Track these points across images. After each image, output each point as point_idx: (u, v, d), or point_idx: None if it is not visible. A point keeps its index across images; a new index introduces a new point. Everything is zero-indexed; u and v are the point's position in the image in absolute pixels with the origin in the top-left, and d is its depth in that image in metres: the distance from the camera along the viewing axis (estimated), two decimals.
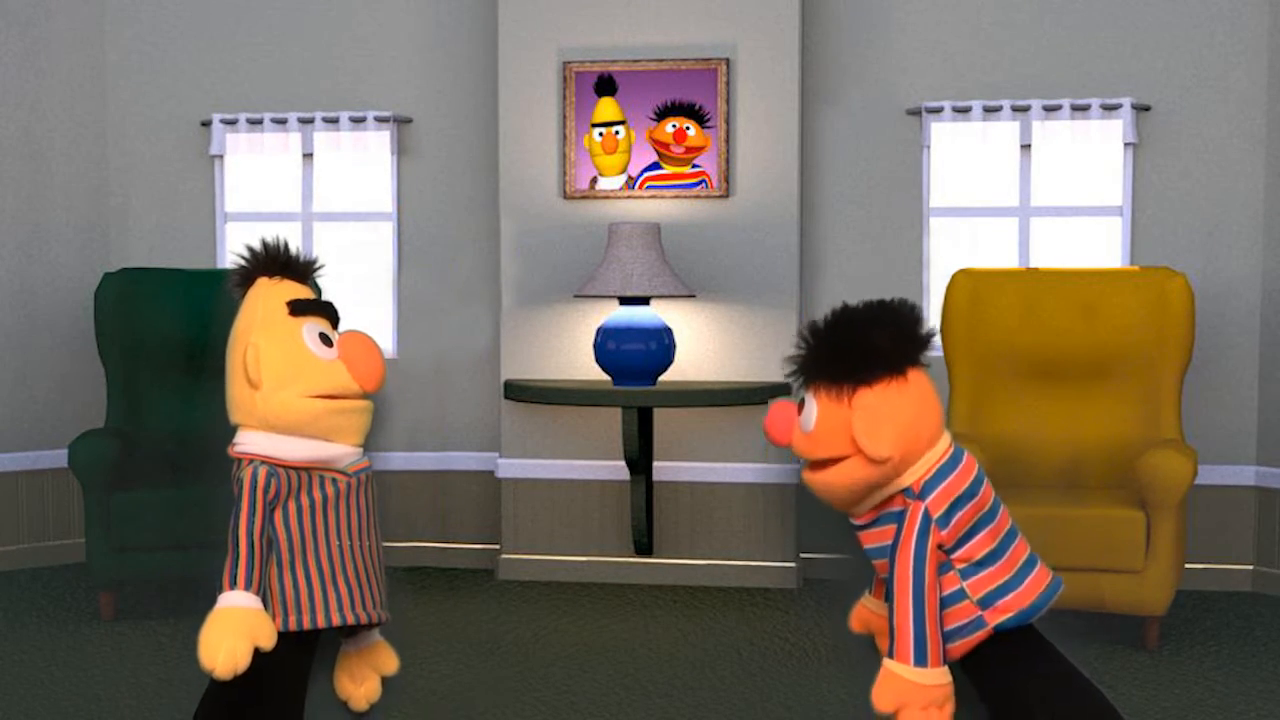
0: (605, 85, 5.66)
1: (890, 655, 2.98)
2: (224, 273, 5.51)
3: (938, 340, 5.80)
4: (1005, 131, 5.61)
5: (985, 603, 3.04)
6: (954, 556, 3.04)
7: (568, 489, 5.78)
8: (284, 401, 3.05)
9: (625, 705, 4.03)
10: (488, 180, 6.02)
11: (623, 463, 5.72)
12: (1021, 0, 5.67)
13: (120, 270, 5.46)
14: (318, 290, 3.35)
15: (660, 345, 5.24)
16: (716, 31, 5.63)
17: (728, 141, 5.60)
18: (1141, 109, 5.55)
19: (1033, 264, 5.73)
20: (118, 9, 6.18)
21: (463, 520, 6.09)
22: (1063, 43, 5.64)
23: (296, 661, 3.13)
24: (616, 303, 5.62)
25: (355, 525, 3.16)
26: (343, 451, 3.13)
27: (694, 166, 5.62)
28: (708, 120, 5.61)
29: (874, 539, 3.14)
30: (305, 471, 3.09)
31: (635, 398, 5.18)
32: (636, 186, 5.65)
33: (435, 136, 6.03)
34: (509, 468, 5.79)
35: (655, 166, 5.64)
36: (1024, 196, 5.69)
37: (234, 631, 2.85)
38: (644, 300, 5.33)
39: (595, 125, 5.67)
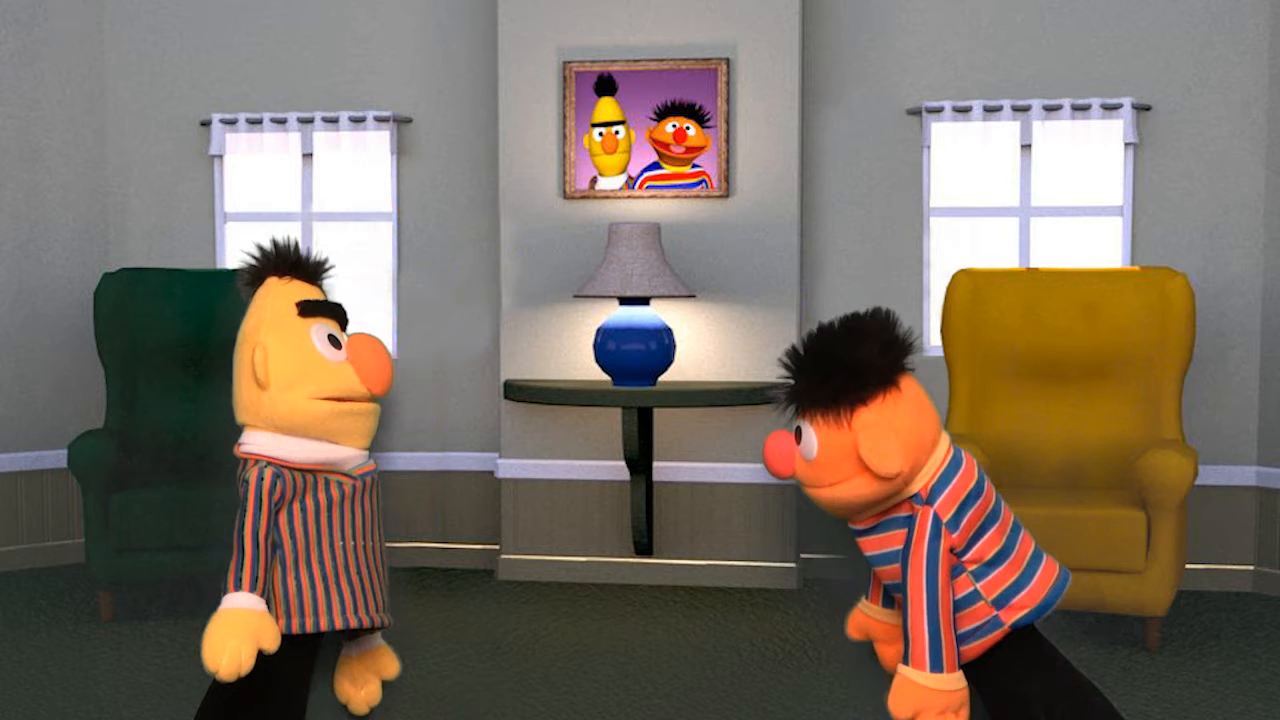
0: (605, 85, 5.66)
1: (906, 661, 2.97)
2: (224, 273, 5.50)
3: (936, 340, 5.79)
4: (1005, 131, 5.60)
5: (1000, 602, 3.03)
6: (965, 558, 3.03)
7: (568, 489, 5.77)
8: (291, 402, 3.03)
9: (625, 705, 4.02)
10: (488, 180, 6.01)
11: (623, 463, 5.71)
12: (1022, 0, 5.66)
13: (119, 270, 5.45)
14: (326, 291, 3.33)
15: (660, 345, 5.24)
16: (716, 31, 5.62)
17: (728, 141, 5.59)
18: (1142, 109, 5.55)
19: (1033, 264, 5.73)
20: (117, 9, 6.18)
21: (463, 520, 6.08)
22: (1063, 42, 5.64)
23: (298, 663, 3.12)
24: (616, 303, 5.61)
25: (359, 528, 3.15)
26: (348, 454, 3.12)
27: (694, 166, 5.62)
28: (708, 120, 5.61)
29: (876, 545, 3.12)
30: (311, 473, 3.08)
31: (635, 398, 5.18)
32: (636, 186, 5.65)
33: (435, 136, 6.03)
34: (509, 468, 5.79)
35: (655, 166, 5.64)
36: (1024, 196, 5.68)
37: (238, 633, 2.84)
38: (644, 300, 5.33)
39: (595, 125, 5.67)
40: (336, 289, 6.14)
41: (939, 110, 5.63)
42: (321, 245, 6.11)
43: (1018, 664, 3.08)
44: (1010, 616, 3.03)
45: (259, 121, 6.02)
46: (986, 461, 4.77)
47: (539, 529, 5.79)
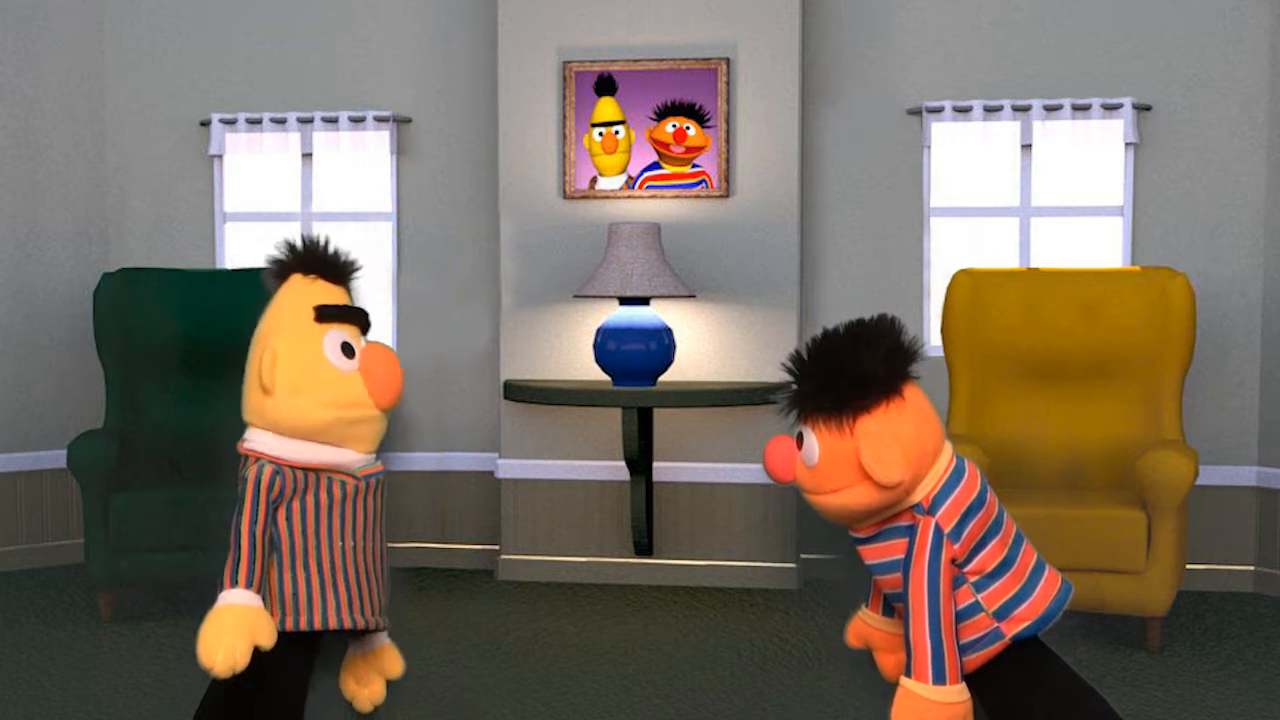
0: (605, 85, 5.65)
1: (908, 674, 2.95)
2: (223, 273, 5.50)
3: (936, 340, 5.78)
4: (1006, 131, 5.60)
5: (1001, 614, 3.01)
6: (967, 570, 3.01)
7: (567, 489, 5.77)
8: (296, 409, 3.00)
9: (625, 706, 4.02)
10: (488, 180, 6.01)
11: (623, 463, 5.71)
12: (1022, 0, 5.66)
13: (119, 270, 5.45)
14: (353, 293, 3.28)
15: (660, 345, 5.24)
16: (716, 31, 5.62)
17: (728, 141, 5.59)
18: (1142, 109, 5.54)
19: (1033, 264, 5.72)
20: (116, 8, 6.17)
21: (462, 521, 6.08)
22: (1063, 42, 5.63)
23: (296, 662, 3.11)
24: (616, 303, 5.61)
25: (360, 529, 3.13)
26: (353, 458, 3.09)
27: (694, 166, 5.62)
28: (708, 120, 5.60)
29: (877, 554, 3.10)
30: (312, 472, 3.06)
31: (635, 398, 5.17)
32: (636, 186, 5.64)
33: (435, 136, 6.02)
34: (509, 468, 5.78)
35: (655, 166, 5.63)
36: (1025, 196, 5.68)
37: (233, 629, 2.83)
38: (644, 300, 5.32)
39: (595, 125, 5.66)
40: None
41: (939, 110, 5.63)
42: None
43: (1020, 675, 3.06)
44: (1011, 628, 3.01)
45: (259, 121, 6.02)
46: (987, 462, 4.76)
47: (539, 529, 5.79)
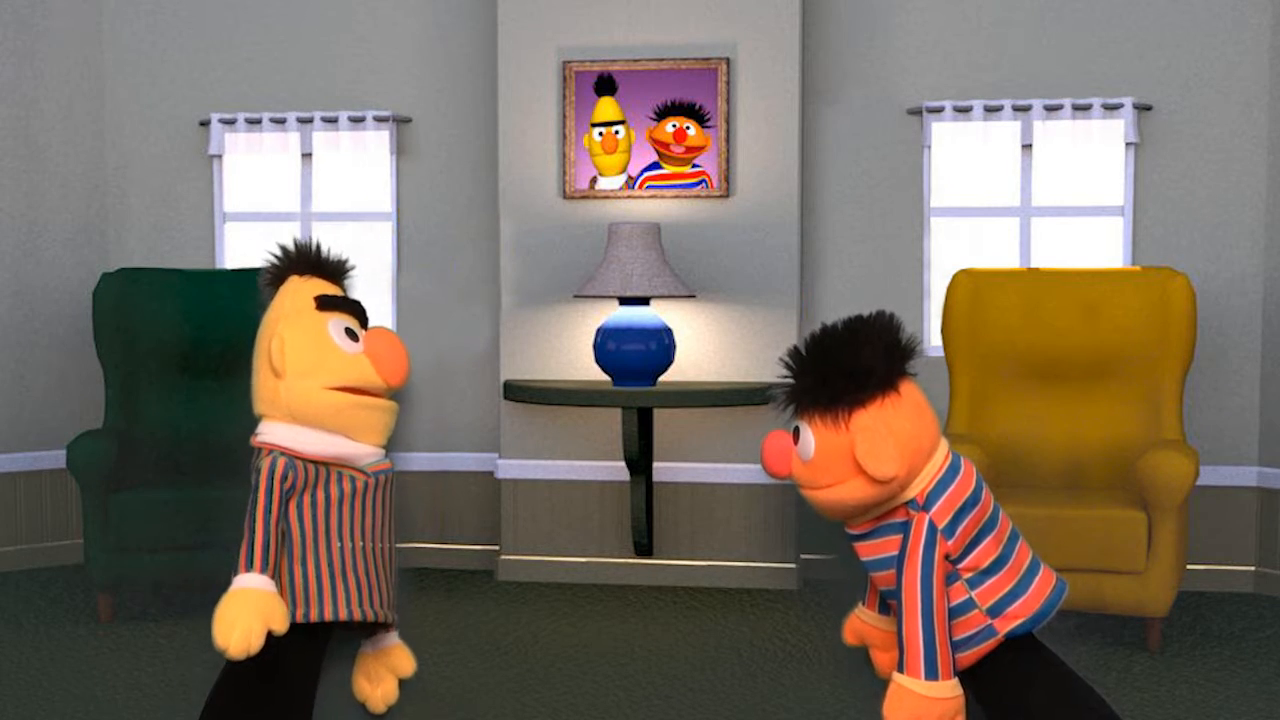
0: (605, 85, 5.65)
1: (901, 669, 2.95)
2: (223, 273, 5.49)
3: (937, 340, 5.78)
4: (1006, 131, 5.60)
5: (994, 611, 3.01)
6: (960, 566, 3.02)
7: (567, 490, 5.76)
8: (306, 390, 3.08)
9: (625, 706, 4.02)
10: (487, 180, 6.01)
11: (623, 463, 5.70)
12: (1022, 0, 5.65)
13: (118, 270, 5.44)
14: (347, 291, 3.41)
15: (660, 345, 5.23)
16: (716, 31, 5.61)
17: (728, 141, 5.58)
18: (1143, 109, 5.54)
19: (1034, 264, 5.72)
20: (116, 8, 6.17)
21: (462, 521, 6.07)
22: (1064, 42, 5.63)
23: (307, 653, 3.14)
24: (616, 303, 5.60)
25: (369, 524, 3.18)
26: (363, 450, 3.16)
27: (694, 166, 5.61)
28: (708, 120, 5.60)
29: (872, 550, 3.11)
30: (324, 466, 3.11)
31: (635, 398, 5.17)
32: (636, 186, 5.64)
33: (434, 136, 6.02)
34: (508, 468, 5.78)
35: (655, 166, 5.63)
36: (1025, 196, 5.67)
37: (249, 611, 2.87)
38: (644, 300, 5.32)
39: (595, 125, 5.66)
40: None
41: (939, 110, 5.62)
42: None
43: (1016, 672, 3.06)
44: (1005, 625, 3.02)
45: (258, 121, 6.02)
46: (987, 462, 4.76)
47: (539, 529, 5.79)
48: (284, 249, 3.26)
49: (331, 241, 6.12)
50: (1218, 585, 5.60)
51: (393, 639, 3.43)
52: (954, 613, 3.03)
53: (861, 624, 3.41)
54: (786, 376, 3.05)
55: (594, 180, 5.67)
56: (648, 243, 5.26)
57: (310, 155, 6.09)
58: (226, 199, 6.18)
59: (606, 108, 5.65)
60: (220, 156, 6.16)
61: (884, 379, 2.97)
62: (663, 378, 5.70)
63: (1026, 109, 5.58)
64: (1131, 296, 5.05)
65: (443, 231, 6.03)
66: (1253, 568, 5.58)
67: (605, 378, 5.71)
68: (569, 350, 5.73)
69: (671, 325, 5.66)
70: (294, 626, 3.13)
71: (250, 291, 5.46)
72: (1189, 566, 5.62)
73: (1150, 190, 5.60)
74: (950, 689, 2.94)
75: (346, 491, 3.13)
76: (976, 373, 5.20)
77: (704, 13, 5.62)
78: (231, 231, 6.18)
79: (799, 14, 5.56)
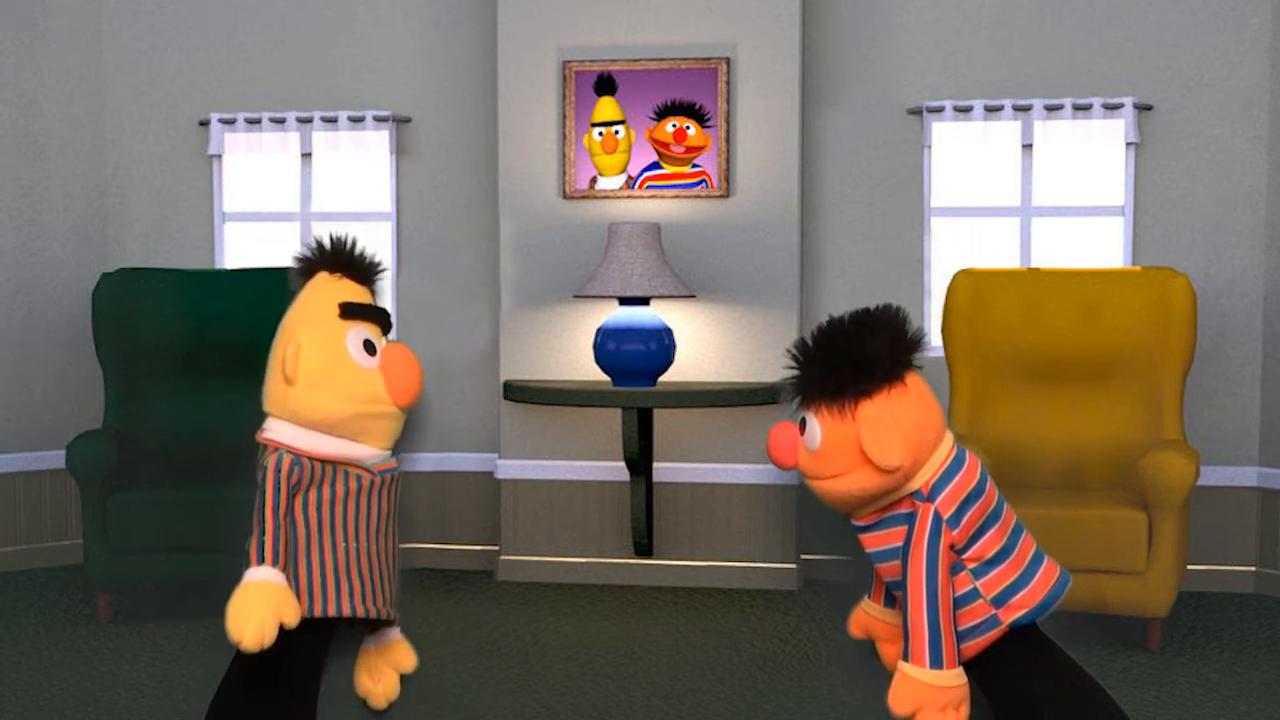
0: (605, 85, 5.65)
1: (906, 658, 2.97)
2: (223, 273, 5.49)
3: (937, 340, 5.78)
4: (1006, 131, 5.59)
5: (999, 601, 3.03)
6: (965, 556, 3.03)
7: (567, 490, 5.76)
8: (314, 401, 3.08)
9: (625, 707, 4.01)
10: (487, 180, 6.00)
11: (623, 463, 5.70)
12: (1023, 0, 5.65)
13: (118, 270, 5.44)
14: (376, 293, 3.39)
15: (660, 345, 5.23)
16: (716, 31, 5.61)
17: (728, 141, 5.58)
18: (1143, 108, 5.54)
19: (1034, 264, 5.72)
20: (116, 8, 6.17)
21: (462, 521, 6.07)
22: (1064, 42, 5.63)
23: (310, 649, 3.15)
24: (616, 303, 5.60)
25: (372, 522, 3.19)
26: (368, 453, 3.17)
27: (694, 166, 5.61)
28: (708, 120, 5.60)
29: (877, 542, 3.13)
30: (329, 464, 3.12)
31: (635, 398, 5.16)
32: (636, 186, 5.64)
33: (434, 136, 6.02)
34: (508, 469, 5.78)
35: (655, 166, 5.63)
36: (1025, 196, 5.67)
37: (262, 604, 2.88)
38: (644, 300, 5.32)
39: (595, 125, 5.66)
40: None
41: (940, 110, 5.62)
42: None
43: (1020, 662, 3.08)
44: (1009, 616, 3.03)
45: (258, 121, 6.01)
46: (988, 462, 4.76)
47: (539, 530, 5.78)
48: (319, 243, 3.24)
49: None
50: (1218, 585, 5.60)
51: (395, 635, 3.45)
52: (959, 602, 3.04)
53: (867, 617, 3.42)
54: (793, 367, 3.08)
55: (594, 180, 5.66)
56: (648, 243, 5.26)
57: (310, 155, 6.08)
58: (226, 199, 6.17)
59: (606, 108, 5.65)
60: (220, 156, 6.15)
61: (890, 370, 3.00)
62: (663, 378, 5.70)
63: (1027, 109, 5.58)
64: (1132, 296, 5.05)
65: (442, 231, 6.03)
66: (1253, 568, 5.58)
67: (605, 378, 5.71)
68: (569, 350, 5.73)
69: (671, 325, 5.66)
70: (298, 622, 3.14)
71: (251, 291, 5.46)
72: (1189, 566, 5.62)
73: (1150, 190, 5.60)
74: (955, 677, 2.96)
75: (352, 489, 3.14)
76: (977, 373, 5.20)
77: (704, 13, 5.61)
78: (231, 231, 6.18)
79: (799, 14, 5.56)
